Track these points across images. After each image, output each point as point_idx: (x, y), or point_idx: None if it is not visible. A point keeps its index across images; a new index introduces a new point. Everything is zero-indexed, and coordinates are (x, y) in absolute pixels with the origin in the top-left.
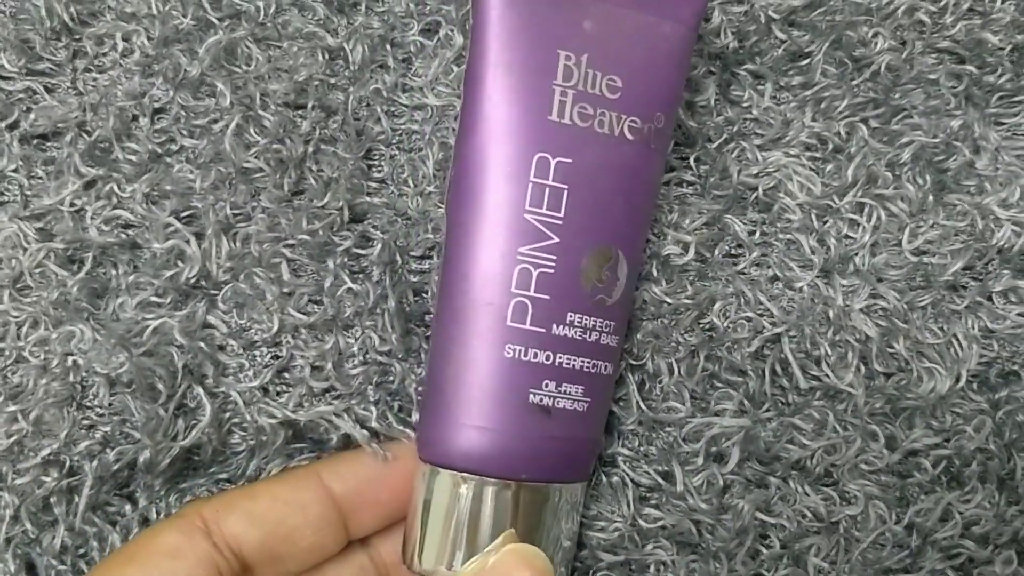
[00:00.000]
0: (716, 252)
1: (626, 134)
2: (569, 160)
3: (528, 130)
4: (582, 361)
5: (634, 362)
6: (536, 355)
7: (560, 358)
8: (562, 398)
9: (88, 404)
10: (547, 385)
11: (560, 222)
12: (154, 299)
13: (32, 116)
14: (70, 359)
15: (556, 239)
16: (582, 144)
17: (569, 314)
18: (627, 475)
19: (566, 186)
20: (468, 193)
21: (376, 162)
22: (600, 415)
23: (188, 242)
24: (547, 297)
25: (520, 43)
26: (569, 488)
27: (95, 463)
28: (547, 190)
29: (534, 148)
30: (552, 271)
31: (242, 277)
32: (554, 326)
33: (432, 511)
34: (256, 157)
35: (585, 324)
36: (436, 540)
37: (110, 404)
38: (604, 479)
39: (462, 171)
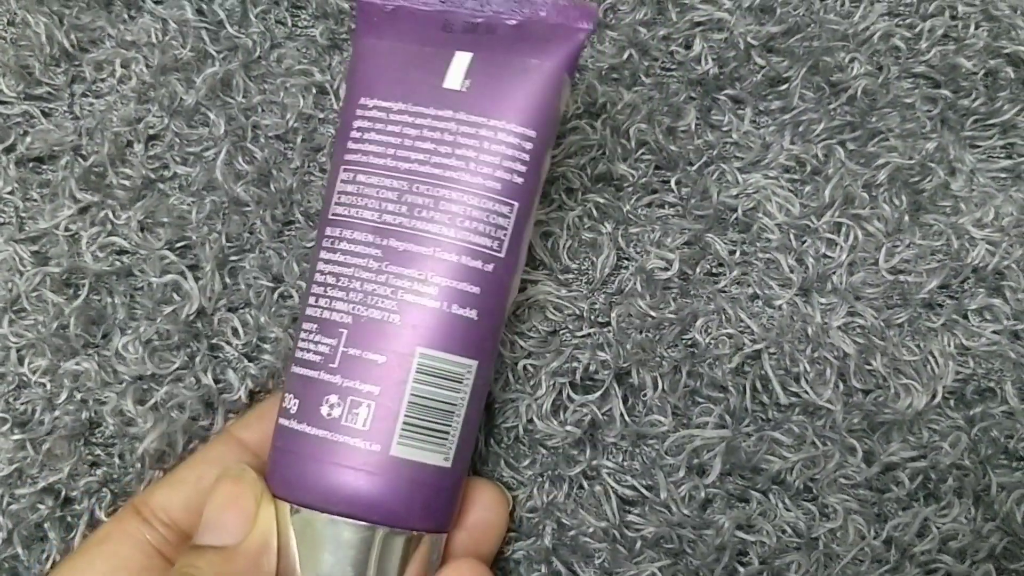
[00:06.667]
0: (697, 270)
1: None
2: None
3: None
4: None
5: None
6: None
7: None
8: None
9: (95, 441)
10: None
11: None
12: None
13: (29, 139)
14: (78, 395)
15: None
16: None
17: None
18: (611, 487)
19: None
20: None
21: None
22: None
23: (184, 275)
24: None
25: None
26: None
27: (93, 500)
28: None
29: None
30: None
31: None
32: None
33: None
34: (247, 187)
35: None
36: None
37: (113, 443)
38: (587, 488)
39: None
